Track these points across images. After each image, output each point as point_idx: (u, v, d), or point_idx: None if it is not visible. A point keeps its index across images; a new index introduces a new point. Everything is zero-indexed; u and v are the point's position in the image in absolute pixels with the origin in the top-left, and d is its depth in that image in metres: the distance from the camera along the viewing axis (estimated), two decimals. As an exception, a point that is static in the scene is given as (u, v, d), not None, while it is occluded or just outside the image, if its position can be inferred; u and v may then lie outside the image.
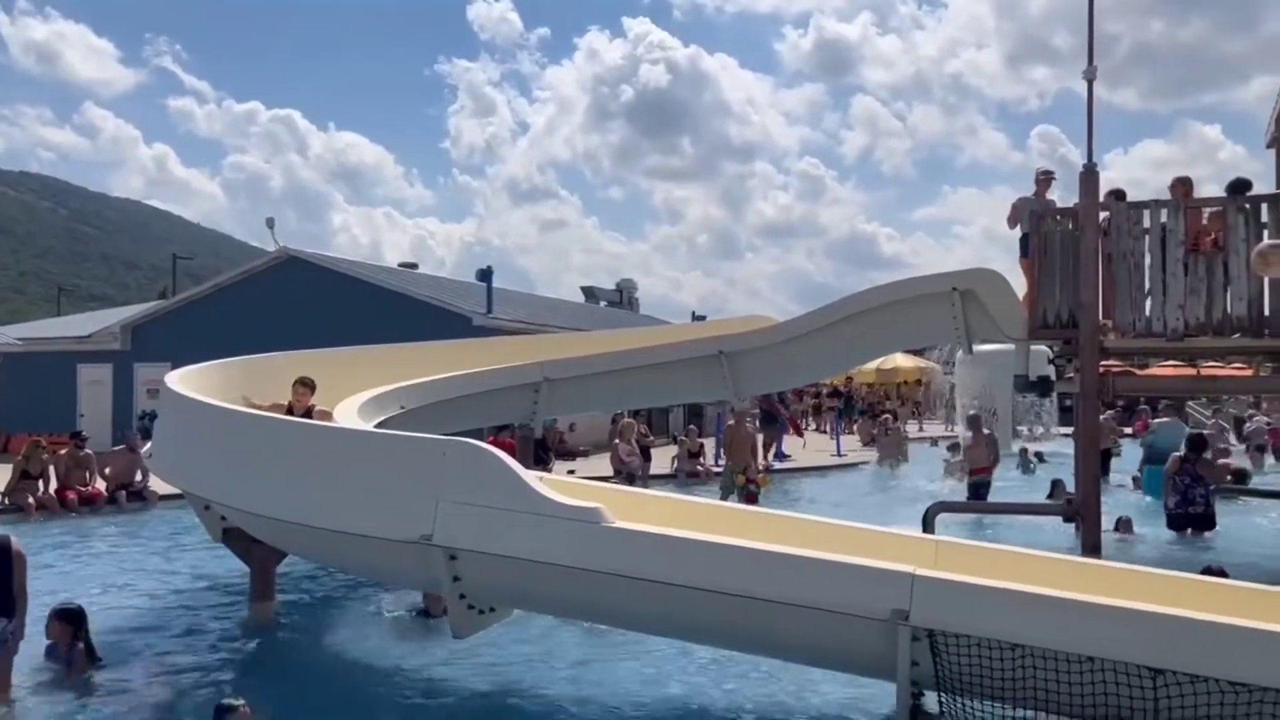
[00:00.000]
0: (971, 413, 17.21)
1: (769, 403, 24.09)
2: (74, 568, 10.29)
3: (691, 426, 21.74)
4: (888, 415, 29.81)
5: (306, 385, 8.33)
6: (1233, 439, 23.82)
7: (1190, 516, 11.82)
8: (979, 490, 13.73)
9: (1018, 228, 10.04)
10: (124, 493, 14.40)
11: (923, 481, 17.55)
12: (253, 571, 8.18)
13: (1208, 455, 12.51)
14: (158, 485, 13.66)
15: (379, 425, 8.19)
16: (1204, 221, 8.87)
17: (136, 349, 25.35)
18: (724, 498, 13.92)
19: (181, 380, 8.27)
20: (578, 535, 5.26)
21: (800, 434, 26.69)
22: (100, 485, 14.56)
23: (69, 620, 6.45)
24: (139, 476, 14.63)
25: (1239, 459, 18.38)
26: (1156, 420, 16.60)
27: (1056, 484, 13.24)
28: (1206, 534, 11.78)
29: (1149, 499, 14.64)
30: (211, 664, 6.86)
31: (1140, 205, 9.00)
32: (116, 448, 15.65)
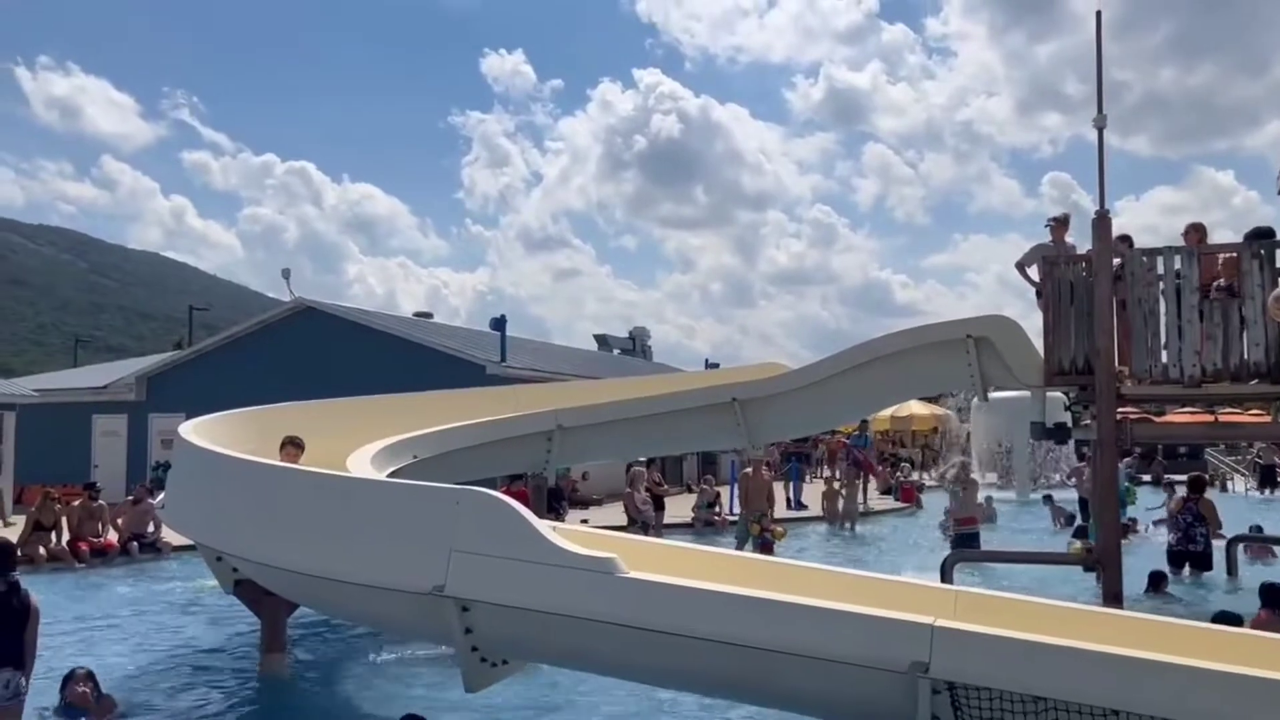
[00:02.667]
0: (956, 460, 16.94)
1: (849, 447, 24.29)
2: (84, 620, 10.23)
3: (709, 476, 21.68)
4: (906, 464, 29.63)
5: (296, 445, 8.12)
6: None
7: (1190, 554, 11.95)
8: (968, 542, 12.80)
9: (1032, 269, 9.97)
10: (136, 544, 14.38)
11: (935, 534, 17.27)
12: (264, 623, 8.11)
13: (1207, 496, 12.65)
14: (171, 536, 13.64)
15: (392, 475, 8.17)
16: (1217, 266, 8.84)
17: (152, 399, 25.47)
18: (739, 547, 13.80)
19: (195, 430, 8.28)
20: (592, 586, 5.19)
21: (876, 476, 25.98)
22: (113, 537, 14.55)
23: (88, 680, 6.46)
24: (151, 527, 14.61)
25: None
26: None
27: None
28: (1203, 574, 11.95)
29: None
30: (222, 717, 6.79)
31: (1154, 251, 8.98)
32: (130, 498, 15.66)
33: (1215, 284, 8.64)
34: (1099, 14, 9.29)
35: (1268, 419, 15.87)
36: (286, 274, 26.74)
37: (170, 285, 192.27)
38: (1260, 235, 8.95)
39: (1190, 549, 12.09)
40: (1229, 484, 28.59)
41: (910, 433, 40.47)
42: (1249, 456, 28.51)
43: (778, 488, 18.14)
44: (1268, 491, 26.38)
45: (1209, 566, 12.11)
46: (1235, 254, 8.75)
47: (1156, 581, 10.73)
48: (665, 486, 20.84)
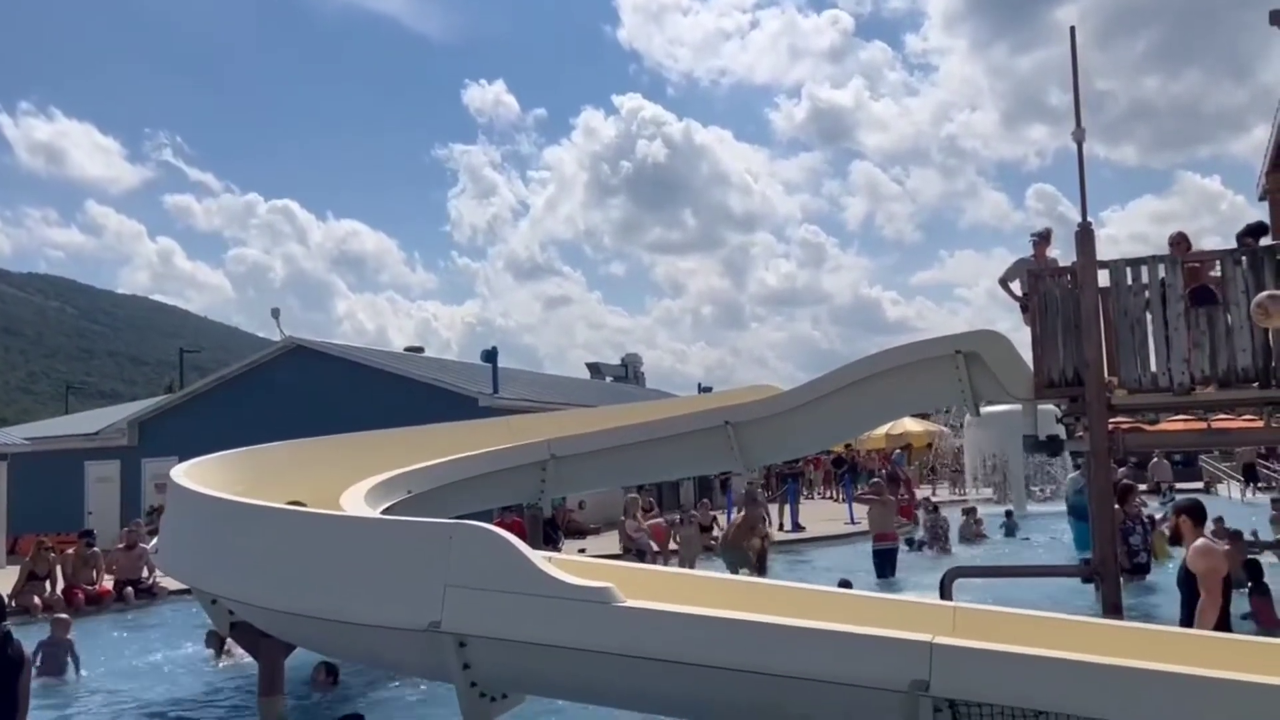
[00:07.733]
0: (875, 479, 17.01)
1: (890, 464, 24.43)
2: (78, 668, 10.11)
3: (705, 500, 21.61)
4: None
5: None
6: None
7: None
8: (885, 558, 13.40)
9: (1015, 284, 10.06)
10: (131, 589, 14.26)
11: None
12: (261, 665, 8.04)
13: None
14: (167, 580, 13.53)
15: (386, 511, 8.13)
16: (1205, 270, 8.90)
17: (144, 444, 25.36)
18: (734, 570, 13.68)
19: (187, 473, 8.24)
20: (589, 616, 5.17)
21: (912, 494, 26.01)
22: (108, 583, 14.43)
23: None
24: (145, 572, 14.50)
25: None
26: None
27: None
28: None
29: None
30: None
31: (1137, 261, 9.04)
32: (121, 544, 15.55)
33: (1189, 289, 8.69)
34: (1073, 29, 9.42)
35: (1260, 424, 15.89)
36: (276, 313, 26.64)
37: (160, 329, 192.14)
38: (1254, 232, 9.03)
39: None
40: (1218, 488, 28.76)
41: (907, 449, 40.48)
42: (1243, 462, 28.65)
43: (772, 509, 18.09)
44: (1251, 490, 26.63)
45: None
46: (1215, 260, 8.84)
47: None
48: (657, 512, 20.65)
